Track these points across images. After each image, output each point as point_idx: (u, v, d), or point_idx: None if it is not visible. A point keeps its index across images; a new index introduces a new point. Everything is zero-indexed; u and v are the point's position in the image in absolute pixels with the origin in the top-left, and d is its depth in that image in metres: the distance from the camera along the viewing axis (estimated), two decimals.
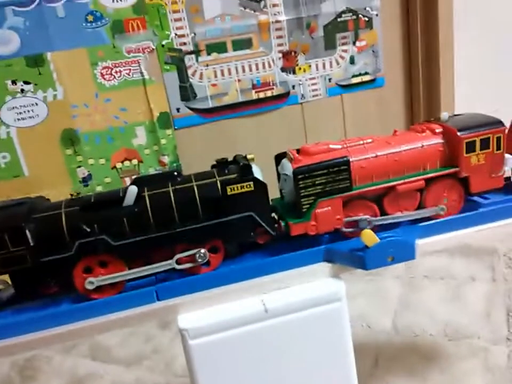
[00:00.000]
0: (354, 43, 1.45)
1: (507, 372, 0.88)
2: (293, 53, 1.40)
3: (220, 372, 0.55)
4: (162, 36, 1.27)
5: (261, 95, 1.40)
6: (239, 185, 0.55)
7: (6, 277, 0.56)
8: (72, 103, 1.23)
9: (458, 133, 0.60)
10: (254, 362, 0.56)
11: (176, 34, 1.28)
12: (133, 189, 0.56)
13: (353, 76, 1.49)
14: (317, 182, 0.58)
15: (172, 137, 1.34)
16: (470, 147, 0.60)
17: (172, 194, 0.56)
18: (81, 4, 1.19)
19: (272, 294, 0.57)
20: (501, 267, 1.20)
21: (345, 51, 1.45)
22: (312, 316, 0.56)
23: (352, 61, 1.47)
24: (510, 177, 0.66)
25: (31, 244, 0.53)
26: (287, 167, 0.60)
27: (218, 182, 0.57)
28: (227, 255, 0.59)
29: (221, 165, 0.60)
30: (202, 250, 0.56)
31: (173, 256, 0.56)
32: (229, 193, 0.55)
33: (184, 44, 1.29)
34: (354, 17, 1.43)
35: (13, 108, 1.19)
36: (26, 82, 1.18)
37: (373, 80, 1.51)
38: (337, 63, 1.46)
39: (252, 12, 1.33)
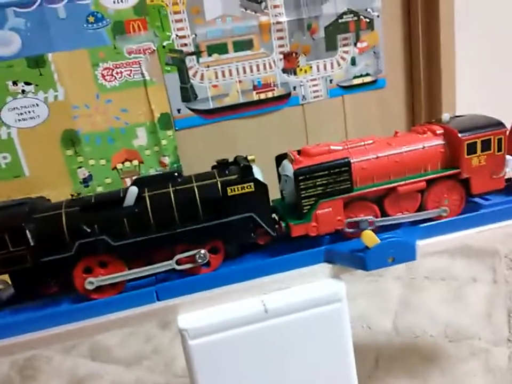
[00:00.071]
0: (355, 44, 1.45)
1: (508, 373, 0.88)
2: (294, 54, 1.40)
3: (220, 372, 0.55)
4: (163, 37, 1.27)
5: (262, 96, 1.40)
6: (239, 186, 0.55)
7: (6, 277, 0.56)
8: (73, 104, 1.23)
9: (459, 135, 0.60)
10: (253, 362, 0.56)
11: (177, 35, 1.28)
12: (133, 190, 0.56)
13: (355, 77, 1.49)
14: (317, 183, 0.58)
15: (173, 138, 1.34)
16: (471, 148, 0.60)
17: (172, 195, 0.56)
18: (82, 5, 1.19)
19: (272, 295, 0.57)
20: (502, 268, 1.20)
21: (346, 52, 1.45)
22: (313, 316, 0.56)
23: (353, 62, 1.47)
24: (511, 179, 0.66)
25: (31, 244, 0.53)
26: (288, 168, 0.60)
27: (218, 182, 0.57)
28: (227, 256, 0.59)
29: (222, 165, 0.60)
30: (202, 251, 0.56)
31: (173, 257, 0.56)
32: (229, 194, 0.55)
33: (185, 45, 1.29)
34: (355, 18, 1.42)
35: (14, 108, 1.19)
36: (27, 83, 1.18)
37: (374, 82, 1.51)
38: (338, 64, 1.46)
39: (253, 13, 1.33)
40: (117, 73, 1.25)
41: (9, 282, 0.56)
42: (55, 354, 1.11)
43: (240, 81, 1.37)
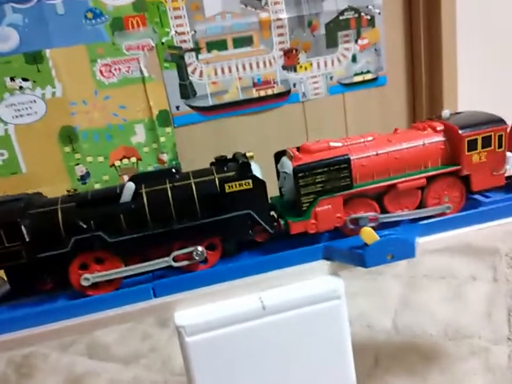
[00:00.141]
0: (356, 41, 1.45)
1: (508, 372, 0.88)
2: (294, 51, 1.39)
3: (217, 369, 0.55)
4: (162, 33, 1.26)
5: (262, 93, 1.40)
6: (237, 182, 0.55)
7: (1, 273, 0.55)
8: (70, 100, 1.22)
9: (460, 131, 0.59)
10: (251, 360, 0.55)
11: (176, 31, 1.27)
12: (130, 186, 0.55)
13: (355, 74, 1.48)
14: (317, 180, 0.57)
15: (171, 135, 1.33)
16: (472, 145, 0.60)
17: (169, 192, 0.56)
18: (80, 1, 1.18)
19: (270, 291, 0.56)
20: (503, 267, 1.19)
21: (347, 49, 1.45)
22: (311, 313, 0.55)
23: (354, 59, 1.46)
24: (511, 176, 0.66)
25: (27, 240, 0.52)
26: (287, 165, 0.60)
27: (216, 179, 0.56)
28: (225, 253, 0.59)
29: (220, 162, 0.60)
30: (200, 248, 0.56)
31: (170, 253, 0.56)
32: (227, 191, 0.55)
33: (184, 41, 1.29)
34: (356, 15, 1.42)
35: (11, 104, 1.18)
36: (24, 79, 1.18)
37: (375, 79, 1.51)
38: (339, 62, 1.45)
39: (253, 9, 1.32)
40: (116, 69, 1.24)
41: (5, 278, 0.56)
42: (51, 352, 1.10)
43: (239, 78, 1.36)
